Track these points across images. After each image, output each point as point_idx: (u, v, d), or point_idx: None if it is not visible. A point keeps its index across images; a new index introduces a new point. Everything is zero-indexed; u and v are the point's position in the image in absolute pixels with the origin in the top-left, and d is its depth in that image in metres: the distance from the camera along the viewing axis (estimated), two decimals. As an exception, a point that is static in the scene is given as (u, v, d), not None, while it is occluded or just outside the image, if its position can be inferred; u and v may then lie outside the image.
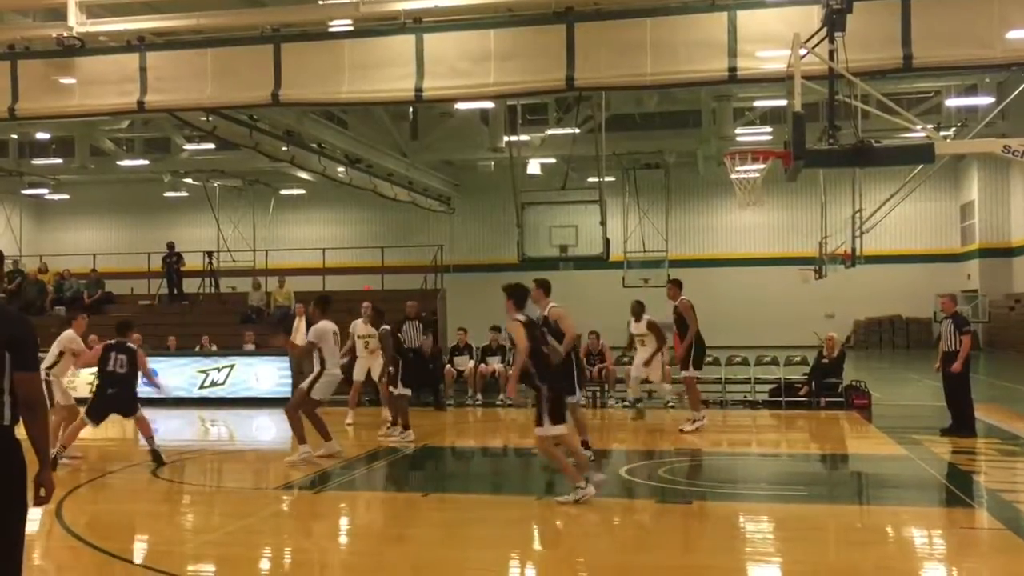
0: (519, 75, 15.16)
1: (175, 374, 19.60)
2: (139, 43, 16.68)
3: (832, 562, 7.49)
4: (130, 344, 11.84)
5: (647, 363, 15.40)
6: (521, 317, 9.05)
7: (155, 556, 7.83)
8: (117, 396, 11.59)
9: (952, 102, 28.36)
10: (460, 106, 24.80)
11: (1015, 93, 20.06)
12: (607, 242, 22.40)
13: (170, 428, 15.90)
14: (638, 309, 15.59)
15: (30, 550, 7.98)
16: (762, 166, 12.17)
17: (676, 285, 14.65)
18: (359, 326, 15.82)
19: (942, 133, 21.04)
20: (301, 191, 37.59)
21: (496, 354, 18.84)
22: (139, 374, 11.88)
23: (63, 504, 9.23)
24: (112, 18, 16.96)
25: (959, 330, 13.40)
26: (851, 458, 13.12)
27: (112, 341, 11.87)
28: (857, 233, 26.43)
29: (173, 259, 27.12)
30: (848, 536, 8.30)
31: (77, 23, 16.40)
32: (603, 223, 22.14)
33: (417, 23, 15.52)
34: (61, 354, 12.12)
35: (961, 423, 13.37)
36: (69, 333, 12.29)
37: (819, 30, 11.09)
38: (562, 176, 24.04)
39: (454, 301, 25.32)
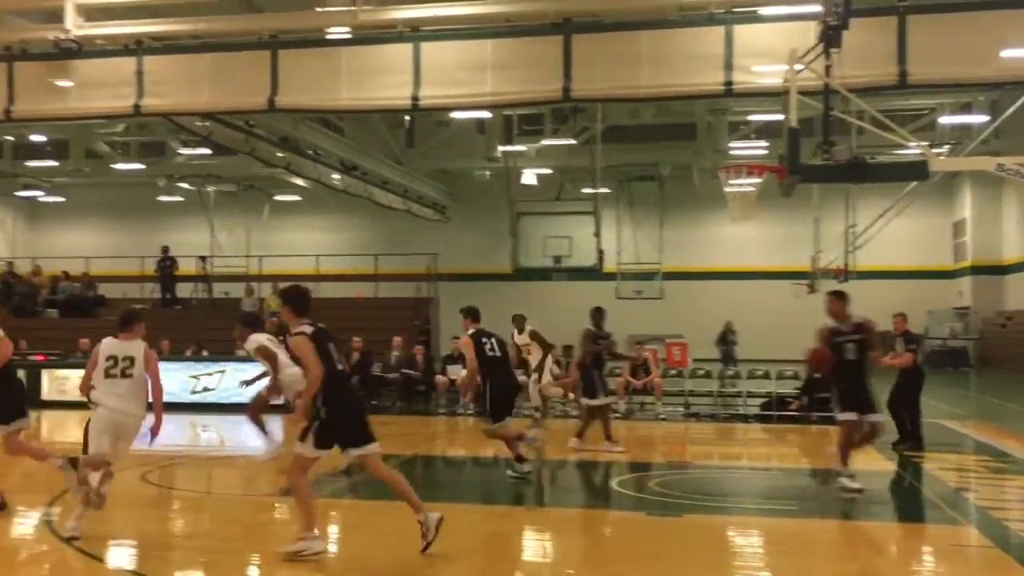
0: (516, 85, 15.20)
1: (167, 379, 19.50)
2: (136, 47, 16.68)
3: (821, 577, 7.49)
4: None
5: (535, 370, 15.59)
6: (307, 329, 7.47)
7: (145, 562, 7.82)
8: None
9: (946, 120, 28.45)
10: (456, 115, 24.86)
11: (1009, 111, 20.11)
12: (601, 253, 22.41)
13: (161, 433, 15.80)
14: (520, 321, 15.72)
15: (18, 556, 7.99)
16: (757, 180, 12.20)
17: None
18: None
19: (936, 150, 21.15)
20: (296, 197, 37.52)
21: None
22: None
23: (54, 508, 9.21)
24: (110, 21, 16.96)
25: (906, 346, 13.55)
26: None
27: None
28: (850, 248, 26.48)
29: (167, 263, 27.09)
30: (837, 551, 8.30)
31: (74, 26, 16.39)
32: (597, 234, 22.16)
33: (414, 32, 15.55)
34: None
35: (908, 434, 13.43)
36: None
37: (815, 46, 11.13)
38: (557, 186, 24.09)
39: (448, 310, 25.32)
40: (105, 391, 8.14)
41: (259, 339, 11.49)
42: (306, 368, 7.36)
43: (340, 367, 7.50)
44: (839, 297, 10.21)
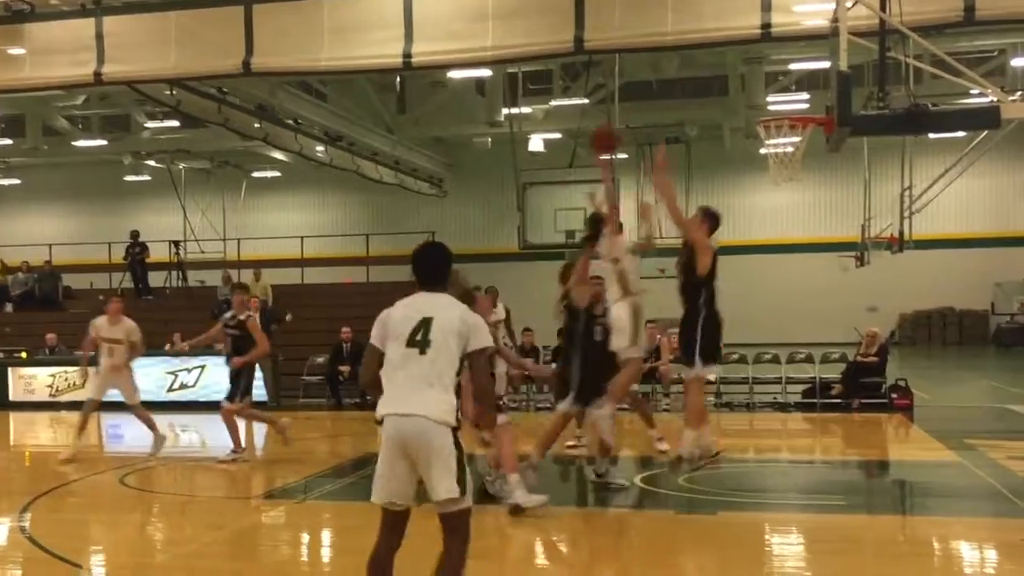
0: (521, 37, 15.10)
1: (141, 375, 19.70)
2: (95, 6, 16.75)
3: (871, 576, 7.58)
4: None
5: None
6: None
7: (125, 569, 7.99)
8: None
9: (1018, 62, 28.07)
10: (454, 74, 24.83)
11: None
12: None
13: (137, 434, 15.97)
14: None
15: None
16: (799, 137, 12.11)
17: None
18: None
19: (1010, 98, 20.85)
20: (275, 173, 37.64)
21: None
22: None
23: (27, 514, 9.51)
24: (65, -21, 17.04)
25: None
26: (893, 464, 13.20)
27: None
28: (906, 214, 26.32)
29: (137, 250, 27.23)
30: (889, 549, 8.36)
31: (26, -15, 16.50)
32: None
33: (407, -21, 15.52)
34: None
35: None
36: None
37: (868, -23, 10.95)
38: (569, 153, 24.03)
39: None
40: None
41: None
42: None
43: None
44: None
